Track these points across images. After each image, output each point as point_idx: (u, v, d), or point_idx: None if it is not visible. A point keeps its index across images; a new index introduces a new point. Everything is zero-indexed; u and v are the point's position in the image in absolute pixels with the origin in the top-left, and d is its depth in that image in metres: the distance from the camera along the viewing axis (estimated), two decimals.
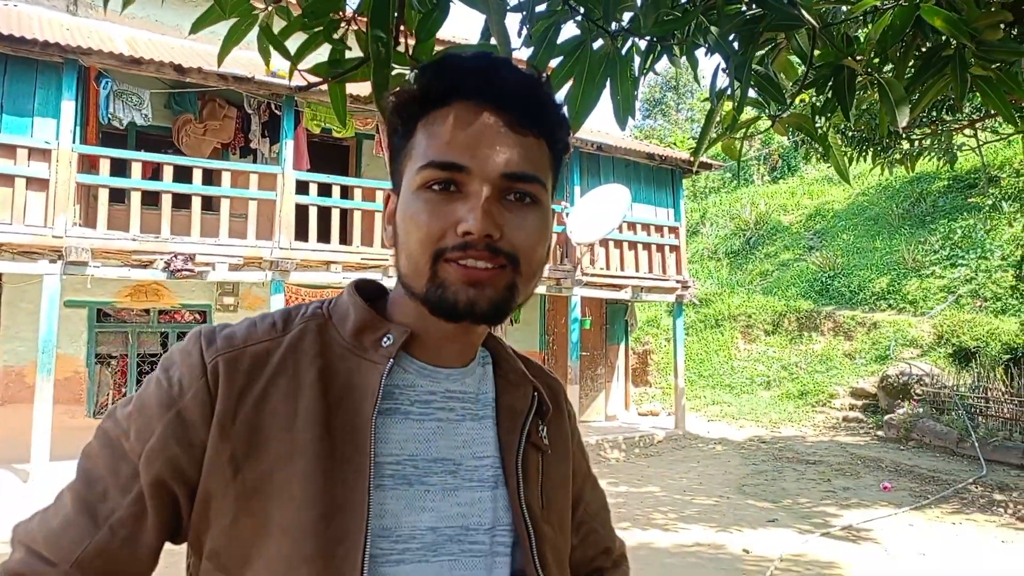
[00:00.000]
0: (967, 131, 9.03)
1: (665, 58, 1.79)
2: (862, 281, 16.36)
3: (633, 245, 11.81)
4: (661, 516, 7.40)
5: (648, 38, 1.68)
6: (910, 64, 2.01)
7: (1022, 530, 7.07)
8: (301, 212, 9.11)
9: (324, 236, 9.32)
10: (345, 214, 9.89)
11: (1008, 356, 11.23)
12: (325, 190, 9.36)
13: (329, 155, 11.13)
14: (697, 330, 17.68)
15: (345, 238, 9.71)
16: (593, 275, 11.17)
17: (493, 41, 1.41)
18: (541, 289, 10.88)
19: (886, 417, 11.65)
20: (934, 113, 7.89)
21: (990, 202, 10.09)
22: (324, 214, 9.32)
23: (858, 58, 1.91)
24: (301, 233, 9.11)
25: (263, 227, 8.95)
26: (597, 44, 1.57)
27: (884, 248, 17.21)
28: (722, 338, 17.09)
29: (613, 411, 13.14)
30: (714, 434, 12.18)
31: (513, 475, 0.85)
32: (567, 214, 10.96)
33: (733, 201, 24.32)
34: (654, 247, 12.05)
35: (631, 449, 10.89)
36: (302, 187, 9.14)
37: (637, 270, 11.77)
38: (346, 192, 9.79)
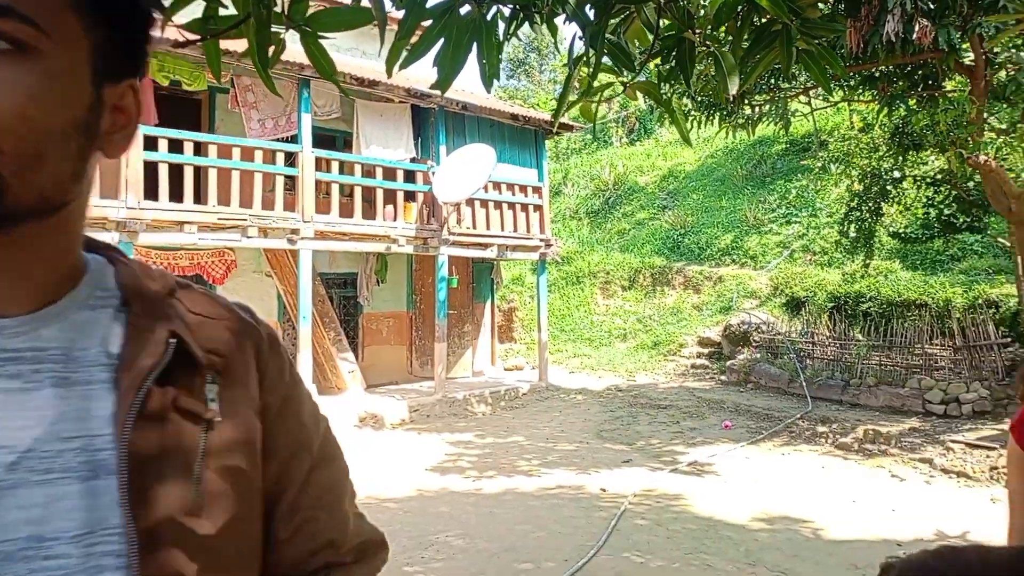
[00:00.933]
0: (801, 98, 9.84)
1: (527, 25, 1.92)
2: (709, 238, 17.51)
3: (499, 205, 12.02)
4: (525, 463, 7.77)
5: (512, 5, 1.80)
6: (745, 37, 2.24)
7: (839, 456, 8.01)
8: (150, 169, 8.60)
9: (177, 195, 8.86)
10: (199, 172, 9.43)
11: (832, 304, 12.47)
12: (176, 147, 8.87)
13: (180, 109, 10.51)
14: (559, 287, 18.30)
15: (199, 197, 9.28)
16: (460, 234, 11.30)
17: (366, 2, 1.48)
18: (408, 248, 10.91)
19: (728, 363, 12.68)
20: (772, 81, 8.54)
21: (820, 164, 11.04)
22: (176, 172, 8.85)
23: (697, 31, 2.12)
24: (151, 192, 8.61)
25: (107, 185, 8.39)
26: (464, 9, 1.67)
27: (729, 207, 18.45)
28: (583, 294, 17.80)
29: (480, 367, 13.46)
30: (575, 385, 12.78)
31: (124, 458, 0.62)
32: (433, 173, 10.99)
33: (593, 162, 25.11)
34: (519, 207, 12.32)
35: (497, 403, 11.24)
36: (150, 143, 8.61)
37: (503, 229, 12.02)
38: (199, 149, 9.33)
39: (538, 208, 12.63)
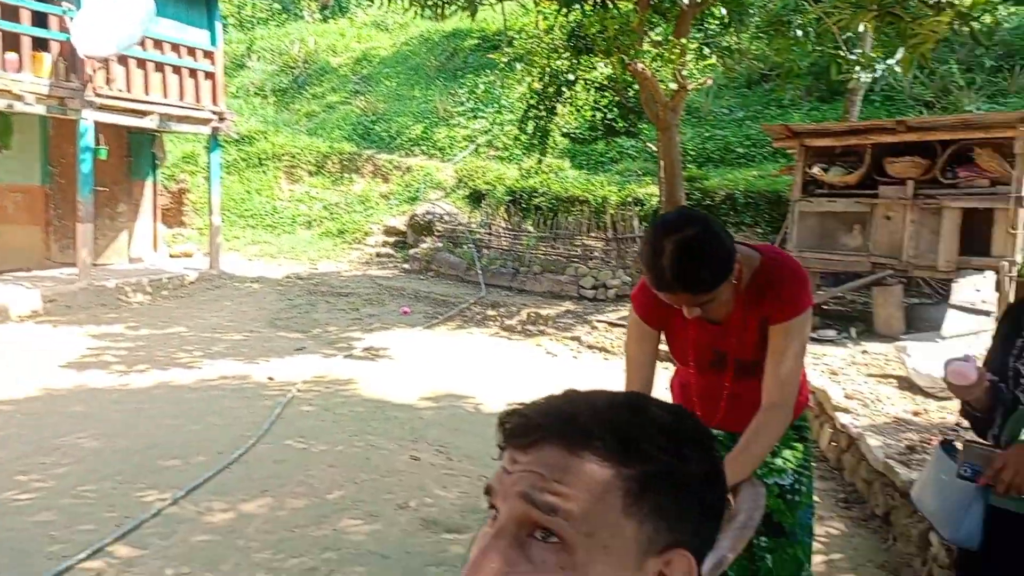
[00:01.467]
0: None
1: None
2: (400, 127, 17.29)
3: (161, 67, 10.49)
4: (186, 355, 7.12)
5: None
6: None
7: (504, 337, 8.58)
8: None
9: None
10: None
11: (509, 198, 13.15)
12: None
13: None
14: (239, 169, 16.89)
15: None
16: (110, 97, 9.67)
17: None
18: (40, 109, 9.08)
19: (411, 251, 12.85)
20: None
21: (506, 60, 11.26)
22: None
23: None
24: None
25: None
26: None
27: (421, 97, 18.32)
28: (265, 178, 16.65)
29: (138, 253, 12.02)
30: (252, 273, 12.04)
31: None
32: (71, 19, 9.13)
33: (282, 36, 23.16)
34: (186, 72, 10.87)
35: (158, 292, 10.16)
36: None
37: (165, 96, 10.55)
38: None
39: (210, 76, 11.29)
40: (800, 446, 2.14)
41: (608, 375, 6.98)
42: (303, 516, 3.69)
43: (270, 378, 6.42)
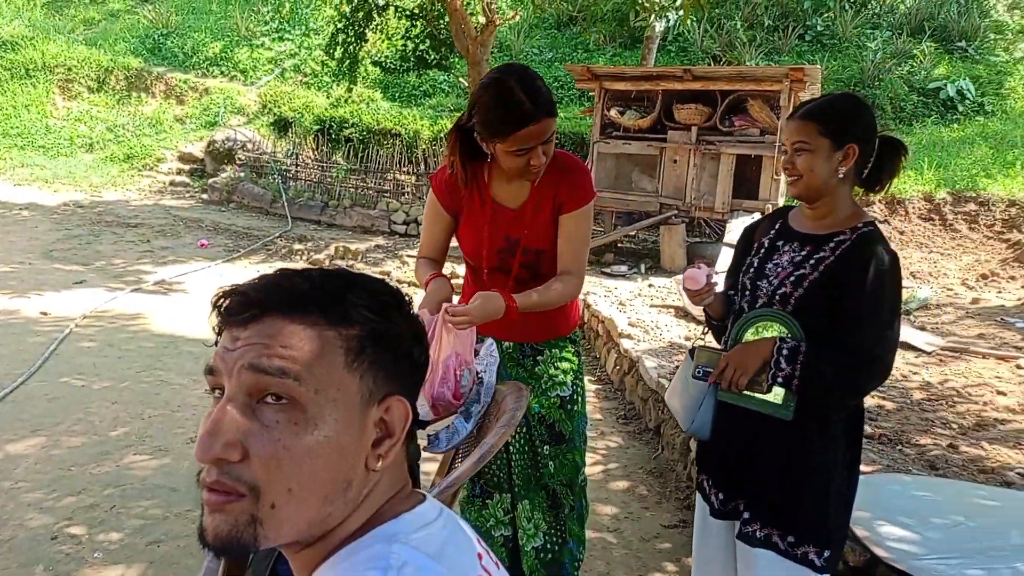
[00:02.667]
0: None
1: None
2: (196, 44, 15.91)
3: None
4: None
5: None
6: None
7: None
8: None
9: None
10: None
11: (318, 127, 12.65)
12: None
13: None
14: (2, 80, 14.80)
15: None
16: None
17: None
18: None
19: (210, 181, 12.05)
20: None
21: None
22: None
23: None
24: None
25: None
26: None
27: (220, 12, 16.92)
28: (35, 92, 14.72)
29: None
30: (21, 199, 10.74)
31: None
32: None
33: None
34: None
35: None
36: None
37: None
38: None
39: None
40: (575, 358, 2.33)
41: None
42: (81, 454, 3.47)
43: (44, 313, 5.85)
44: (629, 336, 5.22)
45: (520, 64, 2.01)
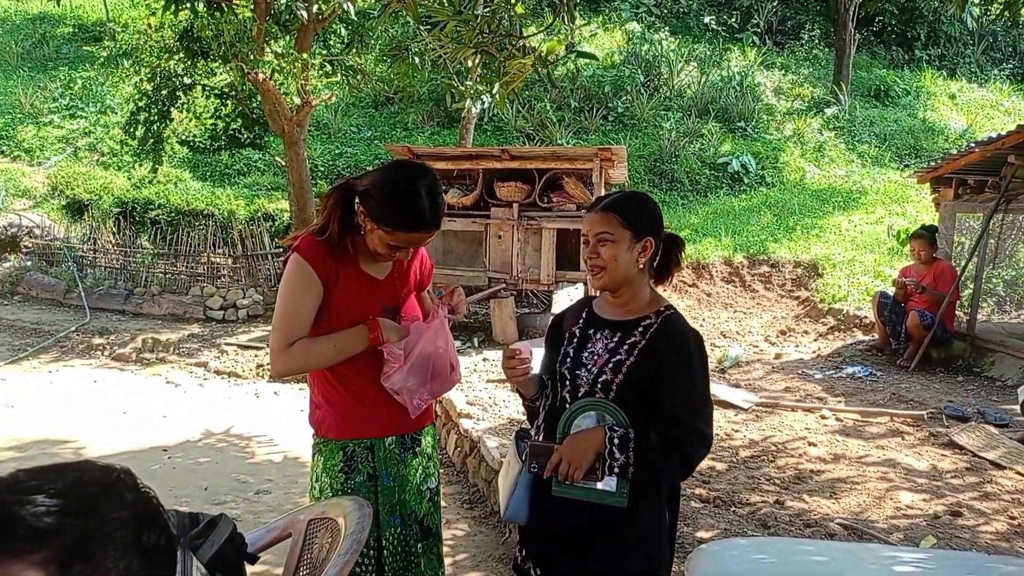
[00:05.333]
0: None
1: None
2: None
3: None
4: None
5: None
6: None
7: (115, 367, 7.60)
8: None
9: None
10: None
11: (119, 209, 11.73)
12: None
13: None
14: None
15: None
16: None
17: None
18: None
19: None
20: None
21: (107, 54, 10.01)
22: None
23: None
24: None
25: None
26: None
27: (1, 89, 15.46)
28: None
29: None
30: None
31: None
32: None
33: None
34: None
35: None
36: None
37: None
38: None
39: None
40: (435, 449, 2.31)
41: (238, 401, 6.60)
42: None
43: None
44: (468, 415, 5.15)
45: (430, 170, 2.06)
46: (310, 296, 2.01)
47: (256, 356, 7.79)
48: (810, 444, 4.34)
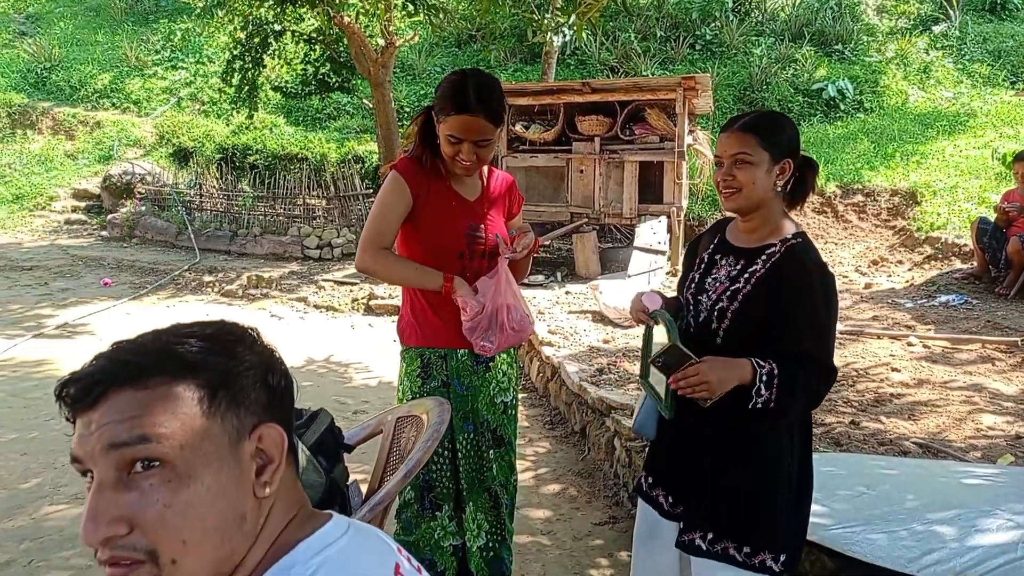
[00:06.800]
0: None
1: None
2: (83, 77, 15.29)
3: None
4: None
5: None
6: None
7: (224, 303, 8.18)
8: None
9: None
10: None
11: (220, 155, 12.36)
12: None
13: None
14: None
15: None
16: None
17: None
18: None
19: (110, 217, 11.58)
20: None
21: (203, 4, 10.43)
22: None
23: None
24: None
25: None
26: None
27: (106, 43, 16.32)
28: None
29: None
30: None
31: None
32: None
33: None
34: None
35: None
36: None
37: None
38: None
39: None
40: (516, 365, 2.48)
41: (336, 333, 7.02)
42: None
43: None
44: (550, 343, 5.34)
45: (488, 73, 2.24)
46: (400, 203, 2.21)
47: (351, 291, 8.20)
48: (893, 370, 4.31)
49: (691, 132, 8.38)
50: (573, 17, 4.16)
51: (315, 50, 10.59)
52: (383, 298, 7.78)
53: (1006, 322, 5.26)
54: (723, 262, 1.84)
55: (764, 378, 1.64)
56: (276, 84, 11.56)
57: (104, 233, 11.48)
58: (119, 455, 0.73)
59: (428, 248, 2.26)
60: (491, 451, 2.37)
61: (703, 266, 1.89)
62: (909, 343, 4.86)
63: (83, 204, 12.56)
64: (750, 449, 1.77)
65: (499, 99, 2.14)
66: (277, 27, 10.08)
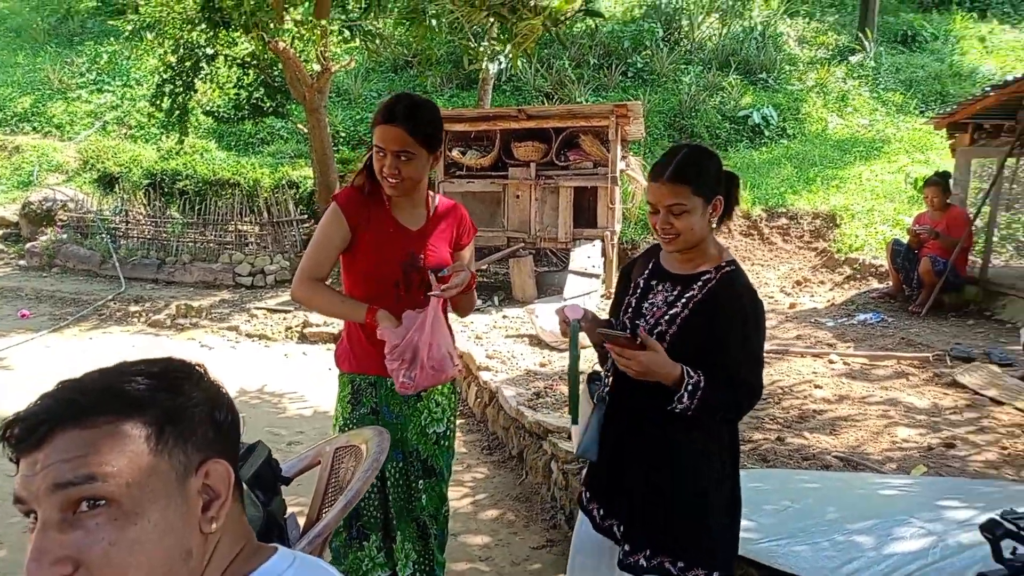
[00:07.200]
0: None
1: None
2: (2, 100, 14.73)
3: None
4: None
5: None
6: None
7: (151, 333, 7.94)
8: None
9: None
10: None
11: (148, 181, 12.03)
12: None
13: None
14: None
15: None
16: None
17: None
18: None
19: (28, 245, 11.12)
20: None
21: (131, 27, 10.20)
22: None
23: None
24: None
25: None
26: None
27: (28, 65, 15.76)
28: None
29: None
30: None
31: None
32: None
33: None
34: None
35: None
36: None
37: None
38: None
39: None
40: (453, 396, 2.49)
41: (269, 362, 6.89)
42: None
43: None
44: (488, 368, 5.36)
45: (425, 97, 2.35)
46: (337, 234, 2.25)
47: (284, 319, 8.06)
48: (816, 387, 4.48)
49: (624, 158, 8.58)
50: (508, 47, 4.25)
51: (248, 74, 10.47)
52: (317, 325, 7.68)
53: (919, 339, 5.53)
54: (659, 287, 1.93)
55: (689, 387, 1.74)
56: (208, 108, 11.36)
57: (22, 262, 11.01)
58: (64, 495, 0.73)
59: (365, 276, 2.28)
60: (420, 481, 2.37)
61: (639, 291, 1.97)
62: (830, 360, 5.06)
63: (0, 232, 12.03)
64: (676, 461, 1.86)
65: (427, 117, 2.19)
66: (209, 51, 9.94)
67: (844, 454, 3.39)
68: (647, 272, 2.00)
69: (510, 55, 7.29)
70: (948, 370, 4.66)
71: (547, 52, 13.59)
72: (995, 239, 6.99)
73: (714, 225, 1.88)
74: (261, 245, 10.42)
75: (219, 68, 10.46)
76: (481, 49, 8.18)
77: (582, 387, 2.06)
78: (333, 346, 7.76)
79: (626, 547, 1.88)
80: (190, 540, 0.79)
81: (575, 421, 2.02)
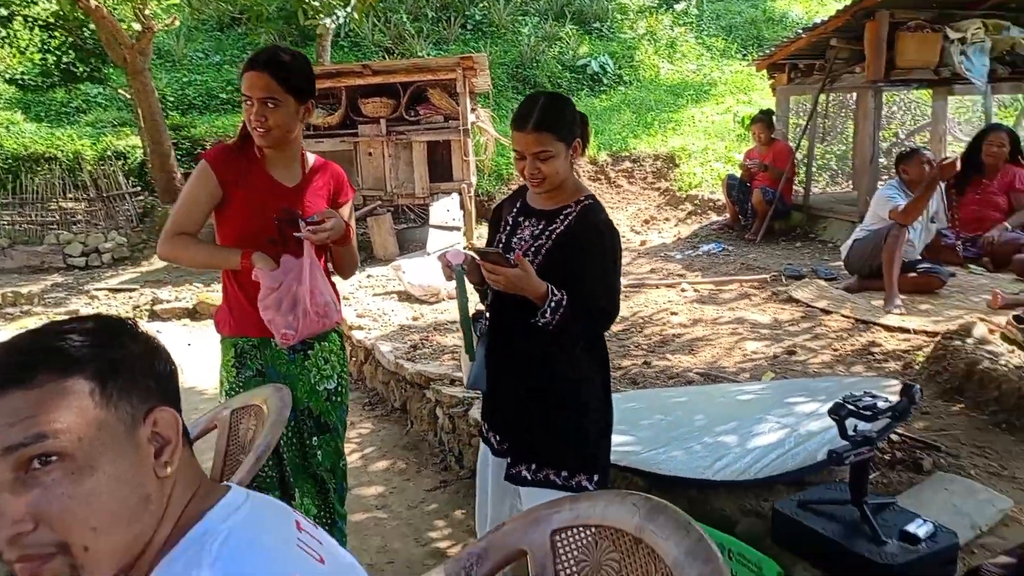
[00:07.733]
0: None
1: None
2: None
3: None
4: None
5: None
6: None
7: None
8: None
9: None
10: None
11: None
12: None
13: None
14: None
15: None
16: None
17: None
18: None
19: None
20: None
21: None
22: None
23: None
24: None
25: None
26: None
27: None
28: None
29: None
30: None
31: None
32: None
33: None
34: None
35: None
36: None
37: None
38: None
39: None
40: (342, 353, 2.48)
41: None
42: None
43: None
44: (360, 327, 5.34)
45: (298, 51, 2.29)
46: (203, 192, 2.18)
47: (131, 298, 7.57)
48: (672, 314, 4.84)
49: (474, 110, 8.64)
50: (353, 2, 4.15)
51: (56, 37, 9.51)
52: (168, 302, 7.28)
53: (756, 263, 6.08)
54: (526, 223, 2.07)
55: (552, 304, 1.89)
56: (9, 76, 10.24)
57: None
58: (16, 457, 0.73)
59: (238, 233, 2.23)
60: (315, 438, 2.39)
61: (508, 228, 2.11)
62: (682, 289, 5.47)
63: None
64: (555, 384, 2.03)
65: (292, 65, 2.16)
66: (4, 11, 8.93)
67: (704, 370, 3.72)
68: (515, 210, 2.13)
69: (352, 10, 7.13)
70: (783, 288, 5.18)
71: (384, 5, 13.29)
72: (813, 169, 7.72)
73: (573, 164, 2.04)
74: (92, 223, 9.66)
75: (17, 31, 9.43)
76: (316, 3, 7.90)
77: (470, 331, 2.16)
78: (188, 321, 7.42)
79: (509, 459, 2.05)
80: (148, 486, 0.81)
81: (473, 358, 2.12)
